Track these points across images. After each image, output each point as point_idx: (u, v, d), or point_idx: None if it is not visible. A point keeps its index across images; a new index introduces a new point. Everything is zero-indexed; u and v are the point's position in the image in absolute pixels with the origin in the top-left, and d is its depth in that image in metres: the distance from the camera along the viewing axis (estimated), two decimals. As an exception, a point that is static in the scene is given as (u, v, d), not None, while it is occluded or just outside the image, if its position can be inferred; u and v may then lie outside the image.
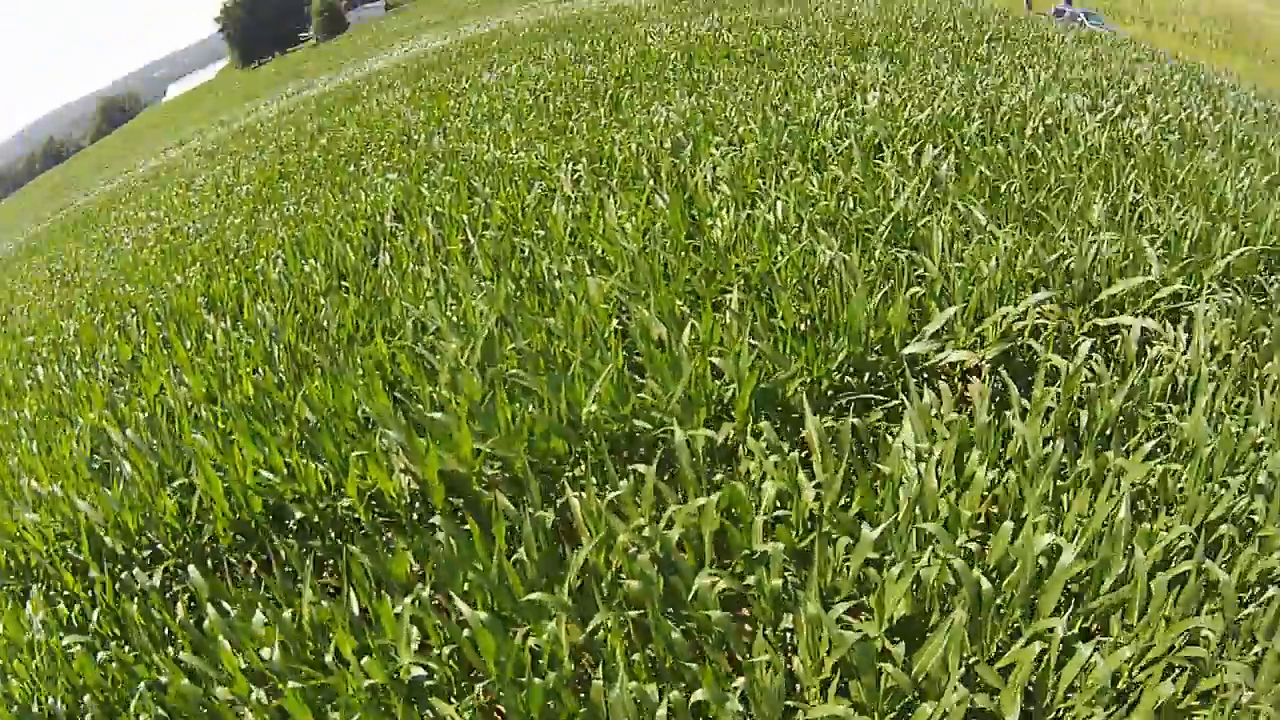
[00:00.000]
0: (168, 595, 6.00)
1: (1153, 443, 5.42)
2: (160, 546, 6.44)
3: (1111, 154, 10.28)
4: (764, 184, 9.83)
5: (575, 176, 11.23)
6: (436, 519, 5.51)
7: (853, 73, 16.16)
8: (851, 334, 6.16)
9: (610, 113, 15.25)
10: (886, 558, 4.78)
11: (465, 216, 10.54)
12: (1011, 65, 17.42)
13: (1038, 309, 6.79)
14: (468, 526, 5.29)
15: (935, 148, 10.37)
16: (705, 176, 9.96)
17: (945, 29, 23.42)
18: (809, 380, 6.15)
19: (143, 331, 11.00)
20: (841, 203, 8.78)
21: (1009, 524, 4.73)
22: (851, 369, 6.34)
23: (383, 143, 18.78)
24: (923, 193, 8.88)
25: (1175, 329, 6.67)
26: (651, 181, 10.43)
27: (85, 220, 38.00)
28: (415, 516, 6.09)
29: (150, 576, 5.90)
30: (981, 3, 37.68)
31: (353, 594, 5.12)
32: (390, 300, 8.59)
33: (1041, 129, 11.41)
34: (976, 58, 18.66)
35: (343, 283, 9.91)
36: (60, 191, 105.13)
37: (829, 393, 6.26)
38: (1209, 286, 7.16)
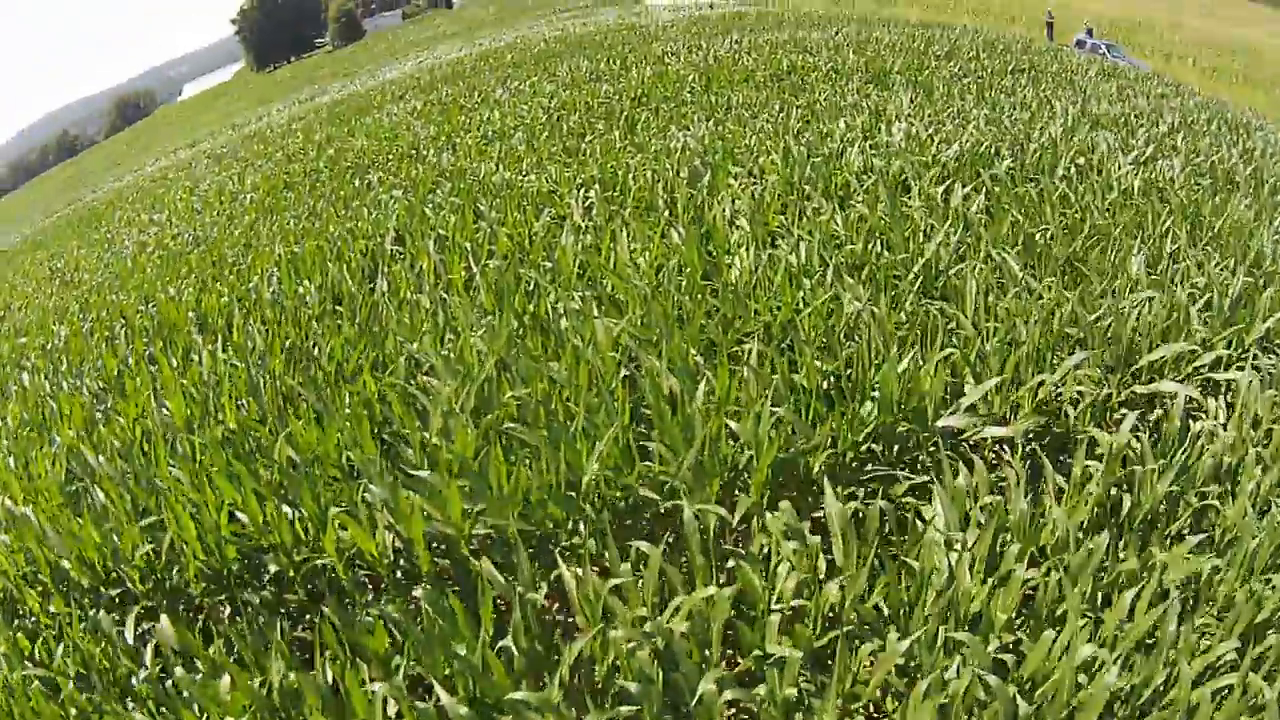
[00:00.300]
0: (135, 638, 5.47)
1: (1196, 537, 4.97)
2: (130, 585, 5.90)
3: (1146, 199, 9.83)
4: (786, 220, 9.36)
5: (587, 204, 10.70)
6: (420, 590, 4.99)
7: (876, 102, 15.74)
8: (883, 403, 5.61)
9: (625, 135, 14.75)
10: (912, 662, 4.32)
11: (469, 243, 10.01)
12: (1038, 99, 16.98)
13: (1076, 374, 6.26)
14: (450, 603, 4.76)
15: (964, 187, 9.86)
16: (723, 210, 9.43)
17: (968, 58, 23.03)
18: (834, 452, 5.61)
19: (130, 346, 10.45)
20: (869, 246, 8.23)
21: (1049, 633, 4.23)
22: (879, 439, 5.81)
23: (390, 156, 18.32)
24: (954, 238, 8.36)
25: (1216, 399, 6.21)
26: (667, 213, 9.96)
27: (90, 218, 37.56)
28: (399, 574, 5.58)
29: (118, 619, 5.37)
30: (1004, 33, 37.39)
31: (325, 665, 4.59)
32: (384, 333, 8.04)
33: (1073, 169, 10.92)
34: (1002, 90, 18.28)
35: (337, 307, 9.39)
36: (72, 184, 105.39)
37: (853, 465, 5.73)
38: (1251, 352, 6.65)
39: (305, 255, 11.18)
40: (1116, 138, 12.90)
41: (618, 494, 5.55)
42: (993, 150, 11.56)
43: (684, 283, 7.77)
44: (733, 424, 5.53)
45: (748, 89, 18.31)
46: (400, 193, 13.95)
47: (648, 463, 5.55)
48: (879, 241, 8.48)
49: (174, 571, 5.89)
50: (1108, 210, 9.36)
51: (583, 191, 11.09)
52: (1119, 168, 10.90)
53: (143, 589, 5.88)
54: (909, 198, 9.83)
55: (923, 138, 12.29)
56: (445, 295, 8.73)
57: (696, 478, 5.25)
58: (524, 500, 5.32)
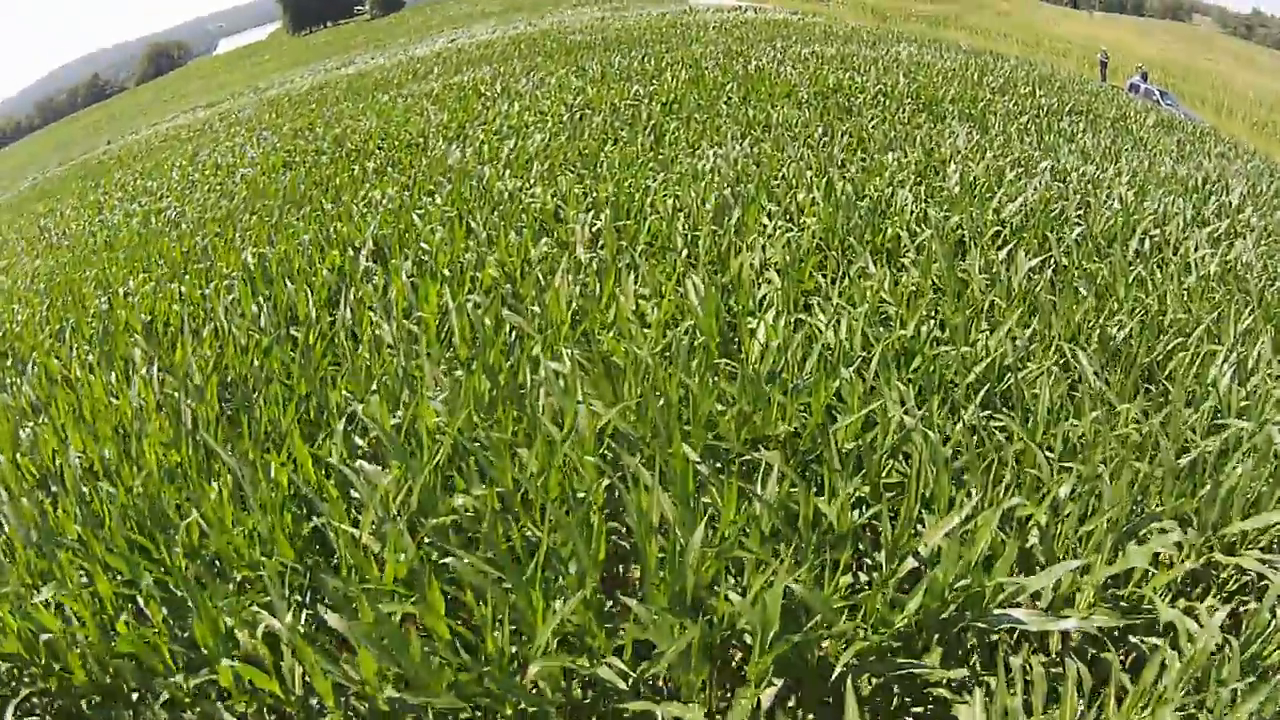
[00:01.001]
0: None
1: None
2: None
3: (1224, 287, 8.43)
4: (824, 279, 8.01)
5: (594, 231, 9.33)
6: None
7: (929, 134, 14.55)
8: (934, 589, 4.19)
9: (650, 147, 13.51)
10: None
11: (452, 268, 8.65)
12: (1100, 149, 15.90)
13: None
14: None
15: (1029, 254, 8.59)
16: (752, 260, 8.04)
17: (1024, 94, 21.68)
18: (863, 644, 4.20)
19: (74, 350, 9.22)
20: (922, 326, 6.86)
21: None
22: (920, 628, 4.41)
23: (397, 143, 17.12)
24: (1021, 324, 7.12)
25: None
26: (685, 253, 8.62)
27: (95, 173, 36.69)
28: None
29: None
30: (1055, 67, 36.08)
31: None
32: (331, 385, 6.69)
33: (1146, 242, 9.58)
34: (1060, 132, 17.16)
35: (294, 331, 8.05)
36: (95, 130, 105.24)
37: (882, 652, 4.35)
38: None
39: (273, 261, 9.79)
40: (1188, 205, 11.60)
41: (576, 688, 4.24)
42: (1058, 209, 10.35)
43: (696, 356, 6.39)
44: (734, 598, 4.13)
45: (789, 106, 17.07)
46: (395, 190, 12.69)
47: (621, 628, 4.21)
48: (933, 318, 7.17)
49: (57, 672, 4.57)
50: (1187, 301, 7.97)
51: (592, 215, 9.71)
52: (1195, 247, 9.56)
53: (24, 679, 4.70)
54: (967, 261, 8.46)
55: (980, 185, 11.11)
56: (415, 330, 7.39)
57: (682, 660, 3.91)
58: (453, 678, 3.97)
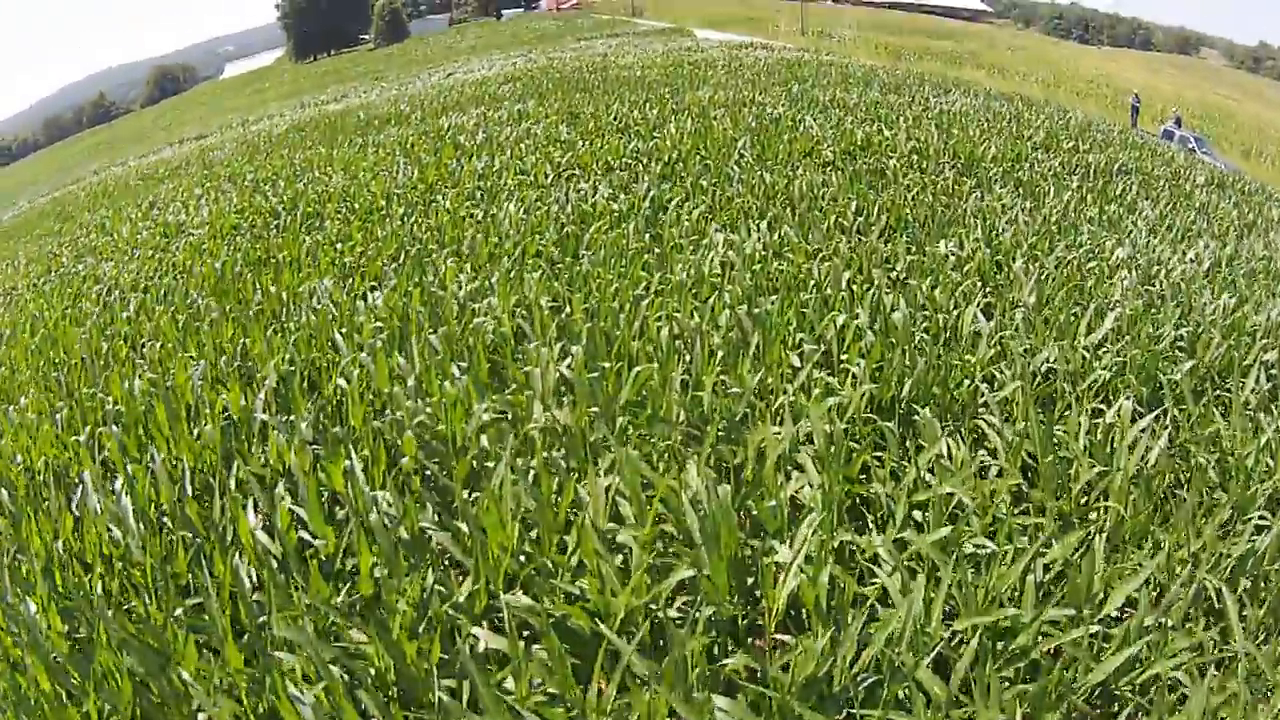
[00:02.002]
0: None
1: None
2: None
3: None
4: (876, 480, 5.61)
5: (561, 375, 6.89)
6: None
7: (981, 210, 12.50)
8: None
9: (646, 226, 11.25)
10: None
11: (366, 425, 6.28)
12: (1165, 221, 14.25)
13: None
14: None
15: (1135, 406, 6.61)
16: (778, 440, 5.63)
17: (1067, 148, 19.43)
18: None
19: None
20: (1029, 573, 4.48)
21: None
22: None
23: (356, 207, 14.81)
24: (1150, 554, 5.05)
25: None
26: (683, 421, 6.19)
27: (67, 211, 34.94)
28: None
29: None
30: (1080, 110, 33.97)
31: None
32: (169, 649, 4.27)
33: (1262, 375, 7.47)
34: (1117, 199, 15.38)
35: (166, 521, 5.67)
36: (91, 154, 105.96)
37: None
38: None
39: (158, 407, 7.30)
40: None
41: None
42: (1154, 329, 8.28)
43: (696, 609, 4.13)
44: None
45: (812, 168, 14.85)
46: (332, 281, 10.36)
47: None
48: (1037, 562, 4.69)
49: None
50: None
51: (561, 347, 7.31)
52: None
53: None
54: (1061, 426, 6.34)
55: (1057, 292, 9.10)
56: (284, 555, 4.99)
57: None
58: None
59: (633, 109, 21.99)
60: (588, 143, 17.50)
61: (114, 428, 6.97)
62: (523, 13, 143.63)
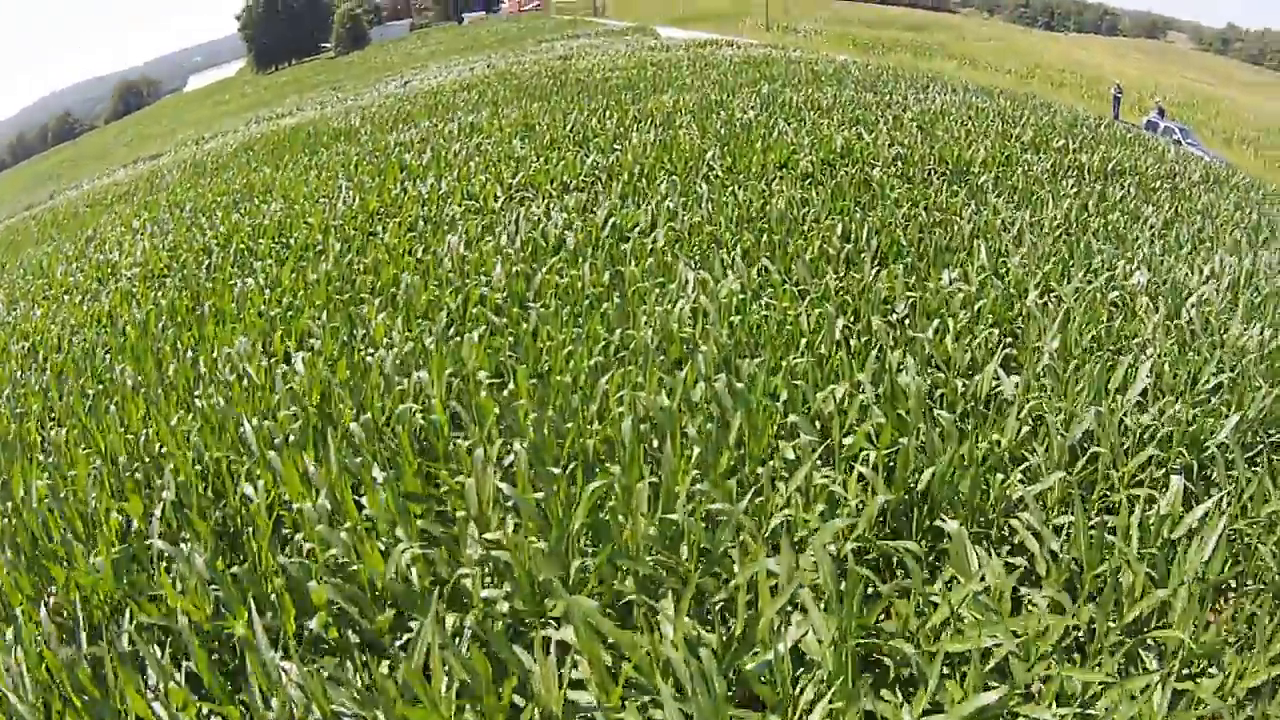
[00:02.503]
0: None
1: None
2: None
3: None
4: (895, 617, 4.59)
5: (499, 501, 5.51)
6: None
7: (981, 229, 11.36)
8: None
9: (606, 263, 9.86)
10: None
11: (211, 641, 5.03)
12: (1174, 232, 13.11)
13: None
14: None
15: (1188, 483, 5.84)
16: (780, 601, 4.38)
17: (1055, 147, 18.40)
18: None
19: None
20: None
21: None
22: None
23: (292, 244, 13.34)
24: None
25: None
26: (649, 557, 4.87)
27: (12, 244, 33.33)
28: None
29: None
30: (1054, 101, 32.74)
31: None
32: None
33: None
34: (1119, 206, 14.26)
35: None
36: (55, 174, 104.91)
37: None
38: None
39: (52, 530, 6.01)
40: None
41: None
42: (1192, 380, 7.36)
43: None
44: None
45: (790, 181, 13.61)
46: (250, 342, 8.96)
47: None
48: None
49: None
50: None
51: (503, 443, 5.98)
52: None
53: None
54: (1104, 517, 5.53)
55: (1081, 335, 8.00)
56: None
57: None
58: None
59: (592, 118, 20.62)
60: (543, 159, 16.12)
61: (4, 553, 5.88)
62: (484, 16, 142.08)
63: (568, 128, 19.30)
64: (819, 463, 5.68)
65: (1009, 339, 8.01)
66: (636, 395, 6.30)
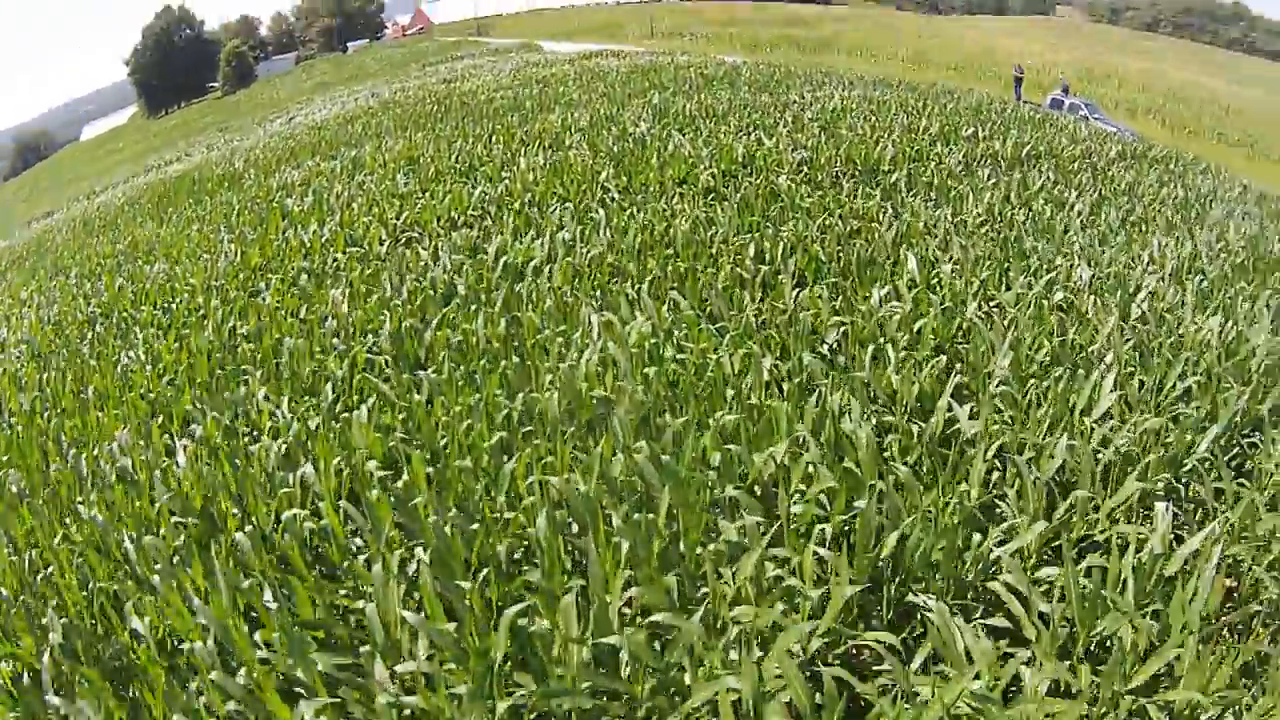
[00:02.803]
0: None
1: None
2: None
3: None
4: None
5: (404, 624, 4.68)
6: None
7: (905, 237, 10.56)
8: None
9: (499, 315, 8.85)
10: None
11: None
12: (1100, 213, 12.75)
13: None
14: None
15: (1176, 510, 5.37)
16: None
17: (965, 136, 17.74)
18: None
19: None
20: None
21: None
22: None
23: (171, 309, 12.30)
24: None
25: None
26: (587, 686, 4.12)
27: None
28: None
29: None
30: (948, 86, 32.12)
31: None
32: None
33: None
34: (1042, 192, 13.69)
35: None
36: None
37: None
38: None
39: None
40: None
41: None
42: (1159, 387, 6.93)
43: None
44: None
45: (691, 197, 12.81)
46: (128, 435, 8.09)
47: None
48: None
49: None
50: None
51: (404, 556, 5.19)
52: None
53: None
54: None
55: (1038, 357, 7.41)
56: None
57: None
58: None
59: (477, 144, 19.61)
60: (428, 193, 15.14)
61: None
62: (369, 43, 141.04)
63: (453, 157, 18.31)
64: (768, 541, 4.86)
65: (955, 362, 7.22)
66: (548, 479, 5.40)
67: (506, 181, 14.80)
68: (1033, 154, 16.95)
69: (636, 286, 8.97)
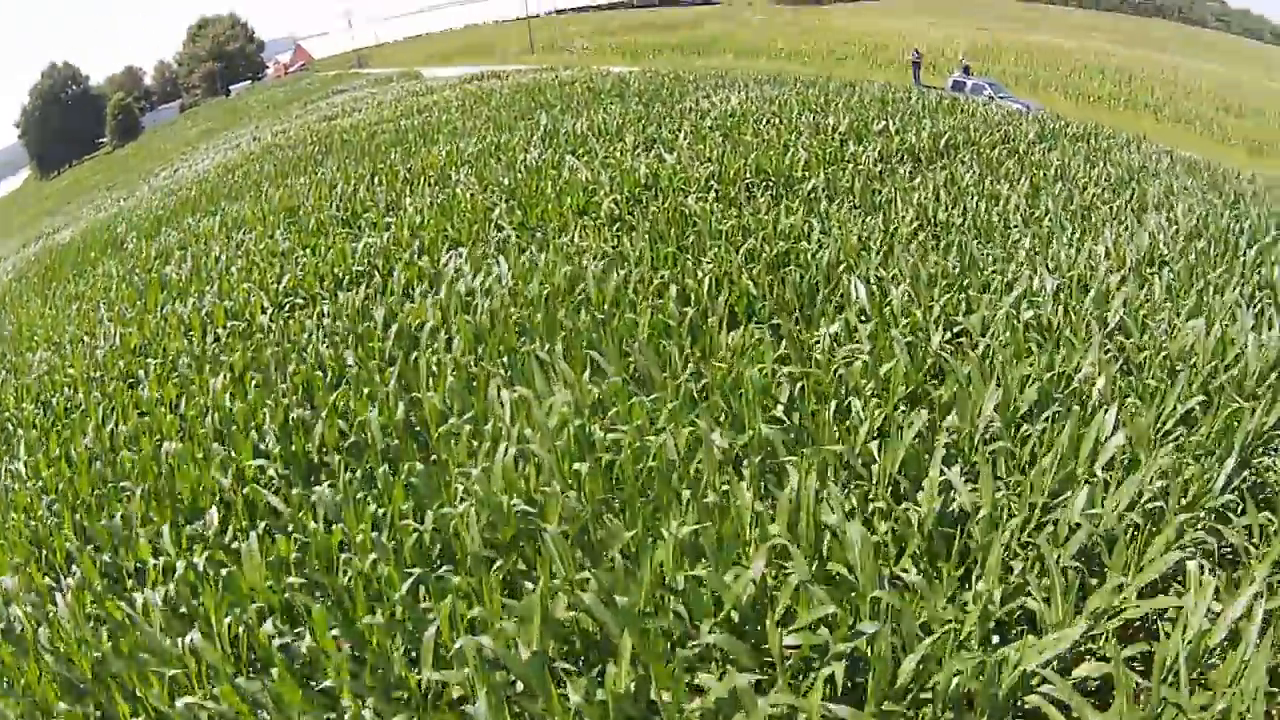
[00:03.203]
0: None
1: None
2: None
3: None
4: None
5: None
6: None
7: (845, 258, 9.46)
8: None
9: (395, 397, 7.65)
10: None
11: None
12: (1038, 205, 12.14)
13: None
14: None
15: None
16: None
17: (876, 132, 16.89)
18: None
19: None
20: None
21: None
22: None
23: (51, 408, 10.80)
24: None
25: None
26: None
27: None
28: None
29: None
30: (872, 85, 31.11)
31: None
32: None
33: None
34: (977, 190, 12.79)
35: None
36: None
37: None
38: None
39: None
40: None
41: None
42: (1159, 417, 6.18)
43: None
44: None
45: (594, 229, 11.64)
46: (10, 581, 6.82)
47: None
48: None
49: None
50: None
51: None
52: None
53: None
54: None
55: (1025, 395, 6.41)
56: None
57: None
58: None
59: (359, 186, 18.28)
60: (309, 249, 13.80)
61: None
62: (251, 85, 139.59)
63: (334, 205, 16.88)
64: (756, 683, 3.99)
65: (932, 412, 6.17)
66: (480, 642, 4.25)
67: (393, 227, 13.58)
68: (951, 144, 16.05)
69: (549, 347, 7.77)
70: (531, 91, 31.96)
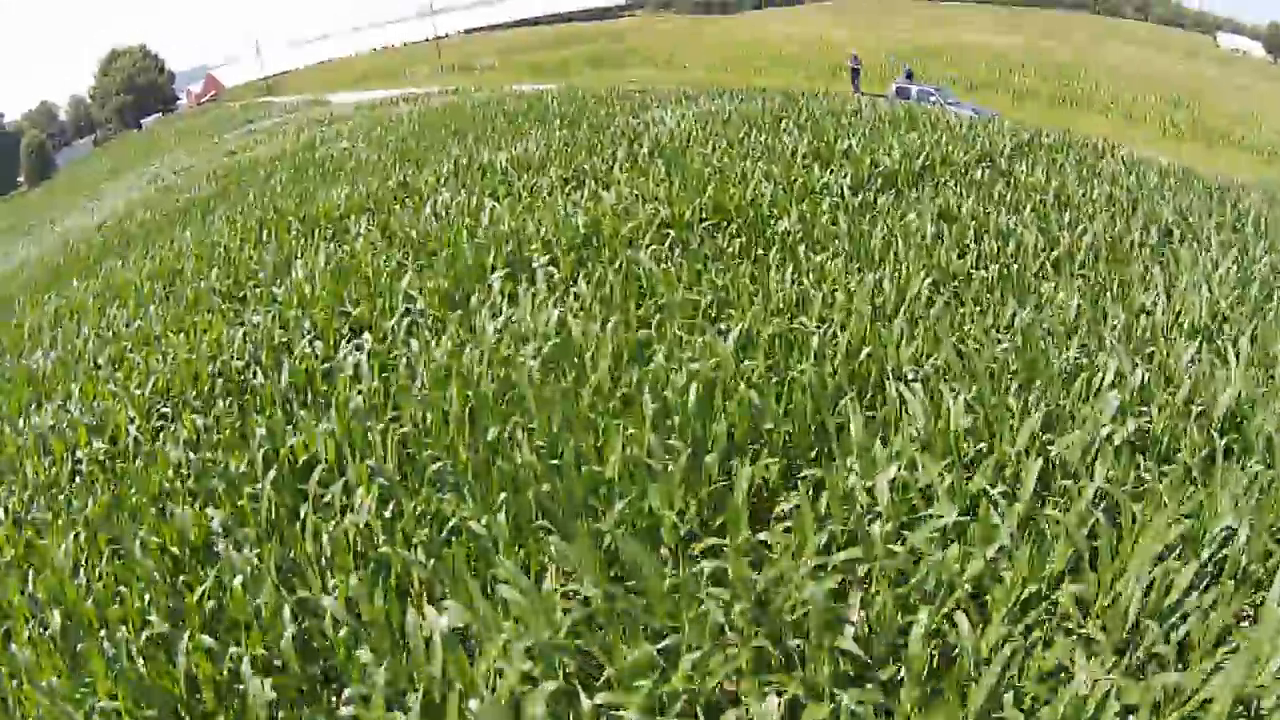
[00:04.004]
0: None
1: None
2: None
3: None
4: None
5: None
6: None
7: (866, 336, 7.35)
8: None
9: (276, 615, 5.17)
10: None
11: None
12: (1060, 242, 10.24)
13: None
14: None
15: None
16: None
17: (841, 153, 14.80)
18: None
19: None
20: None
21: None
22: None
23: None
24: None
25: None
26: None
27: None
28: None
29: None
30: (807, 96, 29.10)
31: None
32: None
33: None
34: (970, 224, 10.88)
35: None
36: None
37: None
38: None
39: None
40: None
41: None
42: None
43: None
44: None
45: (527, 298, 9.13)
46: None
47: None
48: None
49: None
50: None
51: None
52: None
53: None
54: None
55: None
56: None
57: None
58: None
59: (245, 242, 15.61)
60: (184, 333, 11.05)
61: None
62: (162, 116, 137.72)
63: (215, 269, 14.01)
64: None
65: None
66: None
67: (279, 301, 11.04)
68: (928, 165, 14.09)
69: (485, 521, 5.40)
70: (443, 116, 29.92)
